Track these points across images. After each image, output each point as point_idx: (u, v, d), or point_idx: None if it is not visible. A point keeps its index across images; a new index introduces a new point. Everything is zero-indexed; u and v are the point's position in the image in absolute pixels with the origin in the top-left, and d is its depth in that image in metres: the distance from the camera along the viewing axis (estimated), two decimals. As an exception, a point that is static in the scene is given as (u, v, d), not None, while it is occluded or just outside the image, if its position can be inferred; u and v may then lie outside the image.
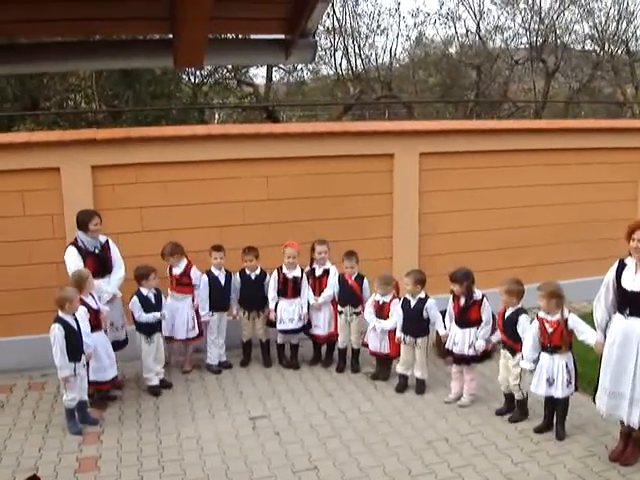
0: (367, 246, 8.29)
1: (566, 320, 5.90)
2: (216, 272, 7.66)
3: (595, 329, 5.72)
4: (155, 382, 7.16)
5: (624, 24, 22.70)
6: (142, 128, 9.13)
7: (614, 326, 5.48)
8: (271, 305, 7.71)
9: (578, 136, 9.81)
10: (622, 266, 5.45)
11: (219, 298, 7.65)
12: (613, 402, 5.47)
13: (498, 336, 6.62)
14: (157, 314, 7.11)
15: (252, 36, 3.63)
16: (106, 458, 5.79)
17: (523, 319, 6.30)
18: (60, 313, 6.15)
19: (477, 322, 6.69)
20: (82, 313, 6.33)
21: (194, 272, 7.61)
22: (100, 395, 6.78)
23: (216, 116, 25.34)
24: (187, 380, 7.50)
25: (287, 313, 7.68)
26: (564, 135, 9.75)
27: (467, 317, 6.69)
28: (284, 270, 7.66)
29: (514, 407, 6.50)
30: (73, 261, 6.90)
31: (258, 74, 24.32)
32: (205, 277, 7.62)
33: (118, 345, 7.11)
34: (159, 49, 3.47)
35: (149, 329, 7.12)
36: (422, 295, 7.02)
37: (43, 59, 3.42)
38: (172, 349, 7.80)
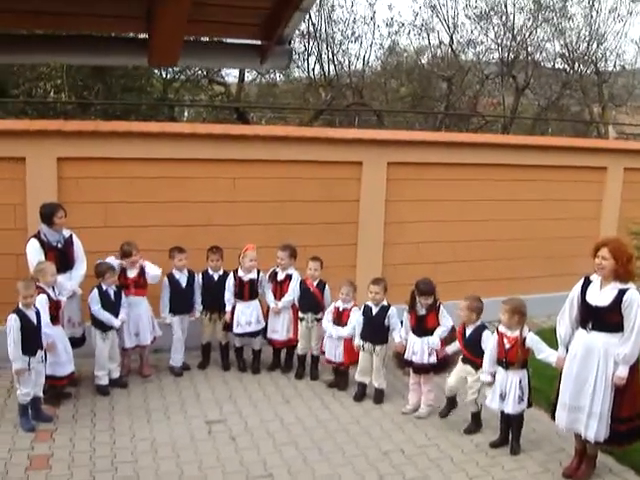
0: (331, 252, 8.27)
1: (524, 339, 5.96)
2: (177, 274, 7.56)
3: (556, 345, 5.79)
4: (104, 382, 7.04)
5: (594, 45, 23.04)
6: (111, 122, 9.00)
7: (576, 340, 5.56)
8: (227, 307, 7.66)
9: (545, 153, 9.96)
10: (587, 282, 5.58)
11: (181, 300, 7.58)
12: (572, 416, 5.53)
13: (455, 346, 6.66)
14: (116, 322, 6.99)
15: (228, 40, 3.60)
16: (58, 457, 5.69)
17: (487, 335, 6.35)
18: (20, 305, 6.05)
19: (435, 331, 6.73)
20: (43, 302, 6.24)
21: (148, 267, 7.34)
22: (54, 392, 6.66)
23: (185, 113, 25.14)
24: (144, 381, 7.41)
25: (244, 316, 7.64)
26: (531, 151, 9.89)
27: (424, 326, 6.73)
28: (240, 273, 7.64)
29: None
30: (34, 254, 6.80)
31: (230, 73, 24.18)
32: (166, 280, 7.53)
33: (74, 343, 6.97)
34: (134, 47, 3.43)
35: (105, 325, 7.01)
36: (385, 303, 7.05)
37: (16, 51, 3.36)
38: (127, 353, 7.49)
